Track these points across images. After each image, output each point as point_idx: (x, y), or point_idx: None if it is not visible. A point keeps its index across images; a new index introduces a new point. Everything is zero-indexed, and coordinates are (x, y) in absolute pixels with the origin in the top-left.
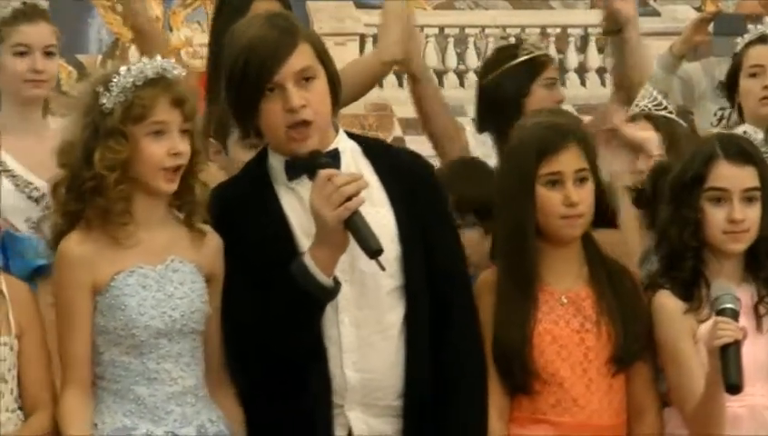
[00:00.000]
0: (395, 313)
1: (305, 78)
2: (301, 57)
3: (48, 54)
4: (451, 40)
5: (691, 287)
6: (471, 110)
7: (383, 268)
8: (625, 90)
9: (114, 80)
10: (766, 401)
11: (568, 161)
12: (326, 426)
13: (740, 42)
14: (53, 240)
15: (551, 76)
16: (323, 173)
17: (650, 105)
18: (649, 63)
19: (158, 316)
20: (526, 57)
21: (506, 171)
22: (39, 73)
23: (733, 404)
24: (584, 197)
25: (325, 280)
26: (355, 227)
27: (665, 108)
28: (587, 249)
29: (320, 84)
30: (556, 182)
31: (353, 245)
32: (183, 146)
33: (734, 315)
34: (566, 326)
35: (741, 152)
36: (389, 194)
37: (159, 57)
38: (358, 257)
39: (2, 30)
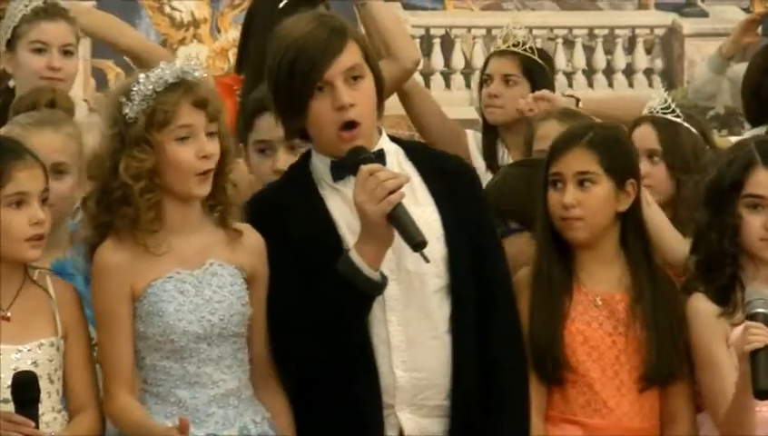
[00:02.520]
0: (442, 313)
1: (354, 77)
2: (351, 56)
3: (66, 52)
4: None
5: (726, 291)
6: None
7: (427, 260)
8: None
9: (135, 88)
10: None
11: (570, 163)
12: (377, 427)
13: None
14: (87, 253)
15: None
16: (365, 168)
17: (658, 108)
18: None
19: (196, 321)
20: None
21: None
22: (56, 70)
23: (762, 408)
24: (584, 200)
25: (372, 273)
26: (398, 220)
27: (673, 111)
28: (633, 254)
29: (368, 84)
30: (557, 182)
31: (399, 245)
32: (212, 148)
33: (766, 320)
34: (599, 328)
35: None
36: (434, 195)
37: (179, 61)
38: (404, 256)
39: (22, 26)
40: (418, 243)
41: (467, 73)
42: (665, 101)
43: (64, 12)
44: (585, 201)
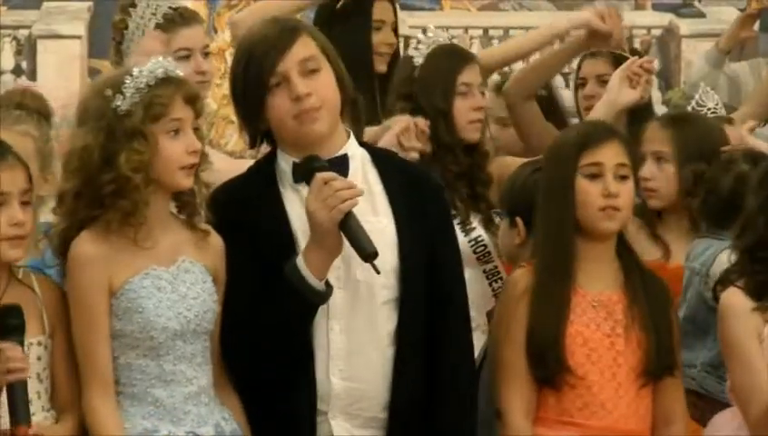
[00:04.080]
0: (388, 325)
1: (310, 70)
2: (304, 48)
3: (206, 54)
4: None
5: (766, 283)
6: None
7: (378, 271)
8: None
9: (127, 81)
10: None
11: (609, 154)
12: (309, 431)
13: None
14: (60, 246)
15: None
16: (320, 175)
17: (714, 107)
18: None
19: (174, 317)
20: None
21: (547, 166)
22: (203, 74)
23: None
24: (624, 192)
25: (316, 282)
26: (350, 230)
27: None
28: (623, 256)
29: (326, 77)
30: (596, 174)
31: (349, 253)
32: (199, 144)
33: None
34: (597, 329)
35: None
36: (394, 206)
37: (161, 58)
38: (353, 265)
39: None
40: (369, 254)
41: None
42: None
43: (194, 13)
44: (626, 193)
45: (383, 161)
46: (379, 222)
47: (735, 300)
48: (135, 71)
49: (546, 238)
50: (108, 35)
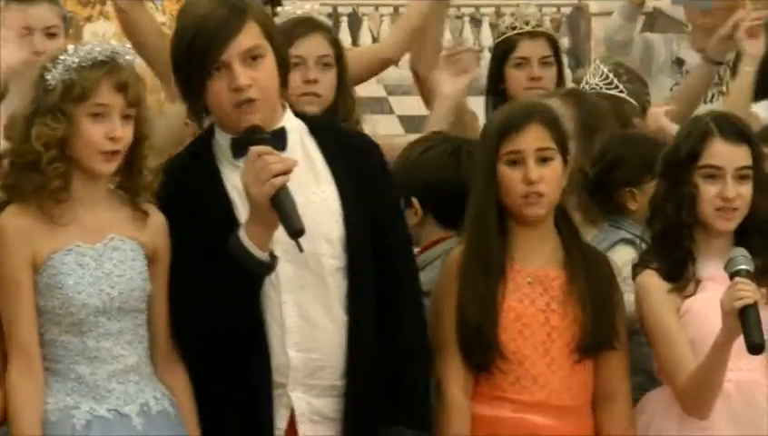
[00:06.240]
0: (339, 294)
1: (252, 57)
2: (249, 37)
3: (326, 65)
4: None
5: (680, 266)
6: None
7: (301, 249)
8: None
9: (61, 58)
10: (753, 376)
11: (529, 139)
12: (268, 405)
13: None
14: None
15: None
16: (254, 149)
17: (601, 84)
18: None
19: (95, 294)
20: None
21: (477, 151)
22: (312, 84)
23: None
24: (546, 176)
25: (260, 253)
26: (280, 205)
27: (616, 87)
28: (564, 232)
29: (268, 63)
30: (516, 161)
31: None
32: (122, 132)
33: (749, 276)
34: (531, 305)
35: (735, 130)
36: (335, 174)
37: (113, 42)
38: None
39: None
40: (295, 231)
41: None
42: (607, 76)
43: (319, 23)
44: (549, 177)
45: (321, 130)
46: (322, 192)
47: (652, 281)
48: (71, 48)
49: (472, 222)
50: None
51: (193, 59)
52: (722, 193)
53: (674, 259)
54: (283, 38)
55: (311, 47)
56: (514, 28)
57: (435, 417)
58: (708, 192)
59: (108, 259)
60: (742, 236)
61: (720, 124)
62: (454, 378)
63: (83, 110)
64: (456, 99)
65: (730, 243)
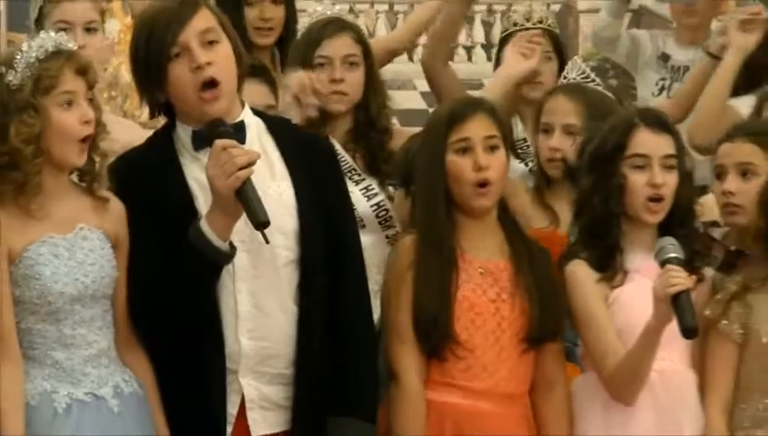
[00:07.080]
0: (290, 285)
1: (209, 41)
2: (204, 20)
3: (352, 63)
4: (401, 17)
5: (607, 257)
6: None
7: (267, 241)
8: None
9: (18, 57)
10: (675, 366)
11: (476, 127)
12: (219, 392)
13: None
14: None
15: None
16: (219, 142)
17: (578, 78)
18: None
19: (71, 283)
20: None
21: (422, 142)
22: (338, 82)
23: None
24: (494, 164)
25: (220, 243)
26: (245, 197)
27: (593, 81)
28: (507, 227)
29: (225, 49)
30: (465, 149)
31: None
32: (92, 113)
33: (680, 263)
34: (483, 295)
35: (658, 120)
36: (291, 170)
37: (52, 33)
38: None
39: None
40: (260, 223)
41: None
42: (584, 71)
43: (346, 23)
44: (496, 165)
45: (277, 128)
46: (278, 186)
47: (578, 269)
48: (25, 46)
49: (422, 213)
50: (26, 9)
51: (152, 47)
52: (651, 181)
53: (602, 249)
54: (312, 38)
55: (337, 47)
56: (516, 24)
57: (391, 403)
58: (637, 181)
59: (80, 248)
60: (665, 229)
61: (643, 116)
62: (411, 365)
63: (52, 101)
64: (517, 76)
65: (655, 235)
